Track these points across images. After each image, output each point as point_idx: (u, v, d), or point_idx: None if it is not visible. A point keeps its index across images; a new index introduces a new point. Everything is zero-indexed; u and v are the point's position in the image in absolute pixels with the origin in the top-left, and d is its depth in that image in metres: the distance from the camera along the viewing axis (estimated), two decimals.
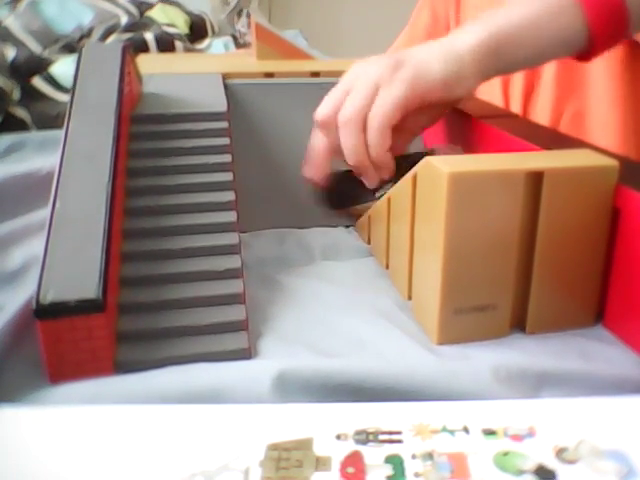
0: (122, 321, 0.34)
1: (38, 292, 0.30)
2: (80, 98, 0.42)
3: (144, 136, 0.43)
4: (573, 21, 0.46)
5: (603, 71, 0.62)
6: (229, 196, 0.41)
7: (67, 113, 0.40)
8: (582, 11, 0.45)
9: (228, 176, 0.42)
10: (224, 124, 0.45)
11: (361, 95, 0.42)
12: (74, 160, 0.37)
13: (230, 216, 0.40)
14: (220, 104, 0.47)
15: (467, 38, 0.44)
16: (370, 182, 0.45)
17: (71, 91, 0.42)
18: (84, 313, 0.30)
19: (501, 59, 0.45)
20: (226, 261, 0.37)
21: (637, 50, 0.61)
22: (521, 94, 0.68)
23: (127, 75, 0.45)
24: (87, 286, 0.30)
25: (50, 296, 0.30)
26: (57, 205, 0.34)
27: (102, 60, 0.45)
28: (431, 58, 0.43)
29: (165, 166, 0.42)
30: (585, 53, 0.48)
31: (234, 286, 0.37)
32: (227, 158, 0.43)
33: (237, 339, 0.34)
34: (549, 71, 0.66)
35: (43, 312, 0.30)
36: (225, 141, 0.44)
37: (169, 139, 0.43)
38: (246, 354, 0.34)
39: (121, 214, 0.38)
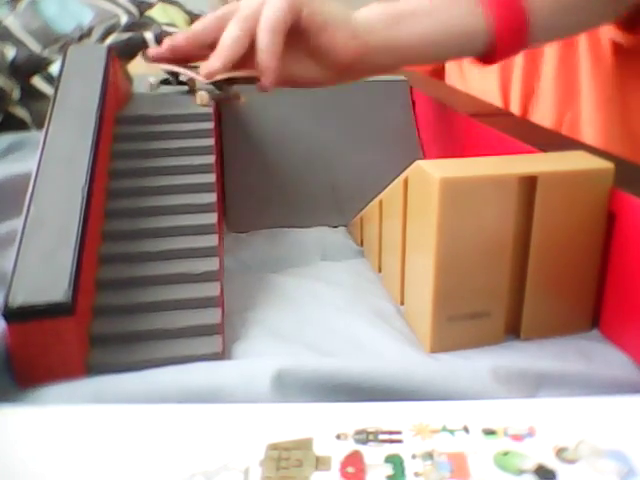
0: (96, 324, 0.34)
1: (7, 295, 0.30)
2: (61, 100, 0.41)
3: (128, 137, 0.43)
4: (475, 20, 0.46)
5: (590, 75, 0.62)
6: (211, 198, 0.40)
7: (48, 116, 0.40)
8: (485, 12, 0.46)
9: (210, 177, 0.41)
10: (209, 125, 0.45)
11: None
12: (51, 163, 0.37)
13: (210, 218, 0.39)
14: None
15: (370, 8, 0.46)
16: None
17: (53, 94, 0.42)
18: (53, 316, 0.30)
19: (393, 29, 0.46)
20: (204, 264, 0.37)
21: (624, 55, 0.61)
22: (519, 100, 0.68)
23: (112, 76, 0.44)
24: (56, 289, 0.30)
25: (19, 299, 0.30)
26: (31, 209, 0.34)
27: (85, 62, 0.45)
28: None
29: (148, 167, 0.41)
30: (487, 55, 0.49)
31: (211, 289, 0.36)
32: (210, 159, 0.42)
33: (211, 343, 0.34)
34: (548, 75, 0.66)
35: (12, 315, 0.29)
36: (210, 142, 0.43)
37: (153, 140, 0.43)
38: (219, 358, 0.33)
39: (101, 216, 0.38)
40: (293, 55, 0.46)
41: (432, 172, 0.33)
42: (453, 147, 0.55)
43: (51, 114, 0.40)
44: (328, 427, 0.25)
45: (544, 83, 0.66)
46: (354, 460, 0.23)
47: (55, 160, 0.37)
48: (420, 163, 0.35)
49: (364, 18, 0.46)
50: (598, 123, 0.62)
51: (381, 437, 0.25)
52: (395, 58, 0.48)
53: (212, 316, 0.35)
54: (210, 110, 0.46)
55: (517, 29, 0.47)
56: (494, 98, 0.69)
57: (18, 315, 0.29)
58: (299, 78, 0.48)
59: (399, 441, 0.24)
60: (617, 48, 0.61)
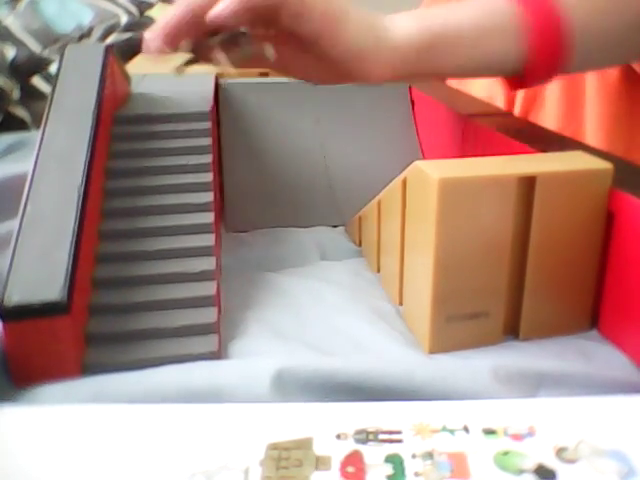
0: (92, 323, 0.34)
1: (3, 294, 0.30)
2: (58, 100, 0.41)
3: (125, 137, 0.43)
4: (514, 42, 0.42)
5: (596, 93, 0.62)
6: (207, 197, 0.40)
7: (45, 115, 0.40)
8: (525, 39, 0.42)
9: (207, 177, 0.41)
10: (207, 124, 0.44)
11: None
12: (47, 162, 0.37)
13: (207, 217, 0.40)
14: (205, 104, 0.46)
15: (404, 24, 0.41)
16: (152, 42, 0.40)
17: (50, 93, 0.42)
18: (49, 315, 0.30)
19: (429, 60, 0.41)
20: (200, 263, 0.37)
21: (632, 76, 0.61)
22: (521, 107, 0.68)
23: (109, 76, 0.44)
24: (52, 288, 0.30)
25: (15, 298, 0.30)
26: (28, 208, 0.34)
27: (83, 61, 0.45)
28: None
29: (145, 167, 0.41)
30: (517, 81, 0.45)
31: (208, 288, 0.36)
32: (207, 159, 0.42)
33: (207, 342, 0.34)
34: (552, 88, 0.65)
35: (7, 314, 0.29)
36: (207, 142, 0.43)
37: (150, 139, 0.43)
38: (215, 357, 0.33)
39: (97, 215, 0.38)
40: (296, 53, 0.41)
41: (431, 173, 0.33)
42: (452, 147, 0.55)
43: (48, 113, 0.40)
44: (328, 427, 0.25)
45: (549, 92, 0.66)
46: (354, 460, 0.23)
47: (52, 159, 0.37)
48: (418, 164, 0.35)
49: (398, 43, 0.40)
50: (599, 143, 0.62)
51: (381, 437, 0.25)
52: (425, 78, 0.47)
53: (208, 315, 0.35)
54: (207, 109, 0.46)
55: (552, 62, 0.43)
56: (498, 104, 0.69)
57: (13, 314, 0.29)
58: (293, 72, 0.43)
59: (399, 441, 0.24)
60: (627, 72, 0.60)
